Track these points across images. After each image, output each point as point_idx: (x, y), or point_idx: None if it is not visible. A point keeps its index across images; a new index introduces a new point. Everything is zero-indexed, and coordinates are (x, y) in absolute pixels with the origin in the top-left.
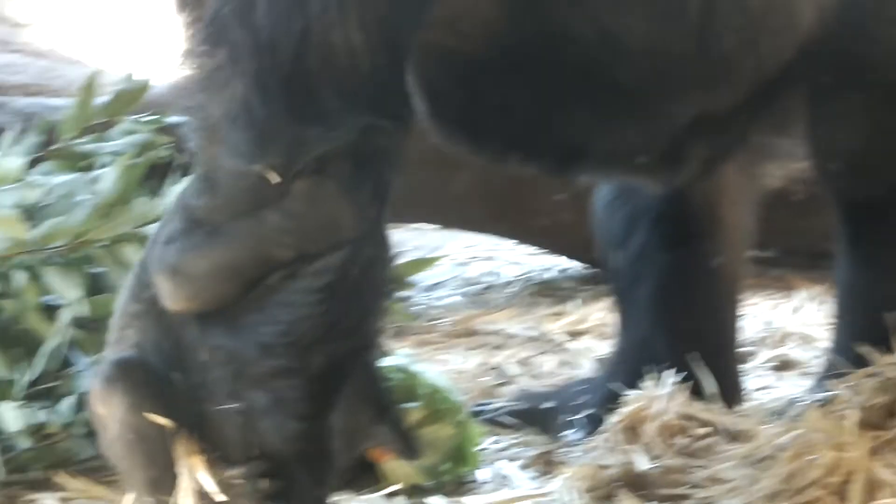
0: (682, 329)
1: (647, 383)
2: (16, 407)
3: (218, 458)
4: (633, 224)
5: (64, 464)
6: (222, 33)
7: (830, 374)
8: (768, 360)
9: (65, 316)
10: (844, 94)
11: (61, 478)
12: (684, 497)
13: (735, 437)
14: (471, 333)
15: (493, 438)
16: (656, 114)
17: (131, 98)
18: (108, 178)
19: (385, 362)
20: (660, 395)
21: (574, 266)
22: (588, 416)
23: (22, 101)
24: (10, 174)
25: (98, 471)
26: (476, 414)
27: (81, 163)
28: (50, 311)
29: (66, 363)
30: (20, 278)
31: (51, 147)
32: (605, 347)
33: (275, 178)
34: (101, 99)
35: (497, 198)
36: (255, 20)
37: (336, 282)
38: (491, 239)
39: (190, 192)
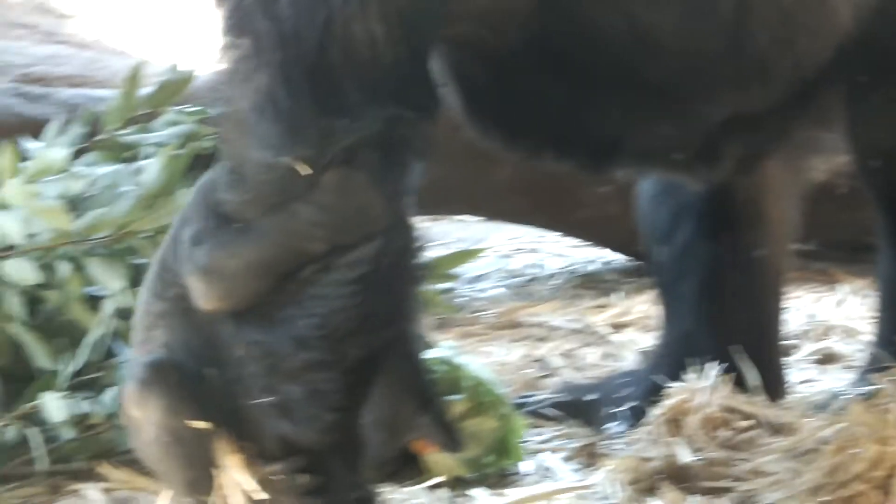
0: (725, 323)
1: (690, 376)
2: (59, 397)
3: (255, 454)
4: (677, 218)
5: (107, 454)
6: (246, 23)
7: (874, 367)
8: (811, 354)
9: (108, 307)
10: (882, 91)
11: (104, 468)
12: (727, 490)
13: (778, 430)
14: (514, 325)
15: (536, 431)
16: (690, 111)
17: (175, 89)
18: (151, 169)
19: (428, 354)
20: (702, 387)
21: (618, 258)
22: (631, 409)
23: (66, 93)
24: (54, 165)
25: (140, 461)
26: (519, 406)
27: (125, 154)
28: (93, 301)
29: (109, 354)
30: (64, 269)
31: (95, 138)
32: (649, 340)
33: (305, 169)
34: (145, 90)
35: (540, 190)
36: (278, 10)
37: (369, 273)
38: (535, 231)
39: (215, 186)
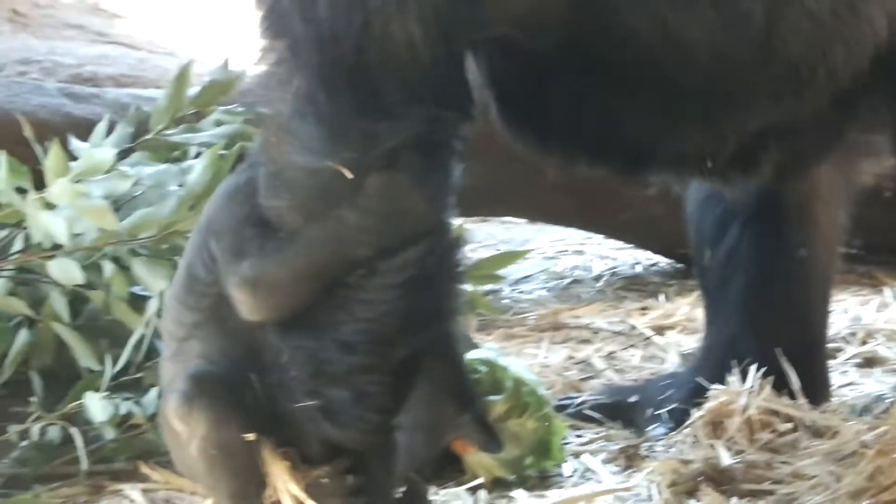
0: (771, 328)
1: (732, 378)
2: (102, 398)
3: (299, 459)
4: (725, 222)
5: (148, 455)
6: (283, 25)
7: None
8: (854, 357)
9: (151, 307)
10: None
11: (145, 468)
12: (767, 493)
13: (819, 433)
14: (557, 327)
15: (577, 432)
16: (723, 118)
17: (223, 88)
18: (197, 169)
19: (471, 355)
20: (744, 390)
21: (662, 260)
22: (673, 411)
23: (115, 92)
24: (101, 165)
25: None
26: (561, 408)
27: (174, 153)
28: (137, 301)
29: (152, 354)
30: (108, 269)
31: (142, 138)
32: (692, 342)
33: (348, 174)
34: (193, 89)
35: (585, 191)
36: (315, 13)
37: (414, 275)
38: (581, 233)
39: (248, 193)
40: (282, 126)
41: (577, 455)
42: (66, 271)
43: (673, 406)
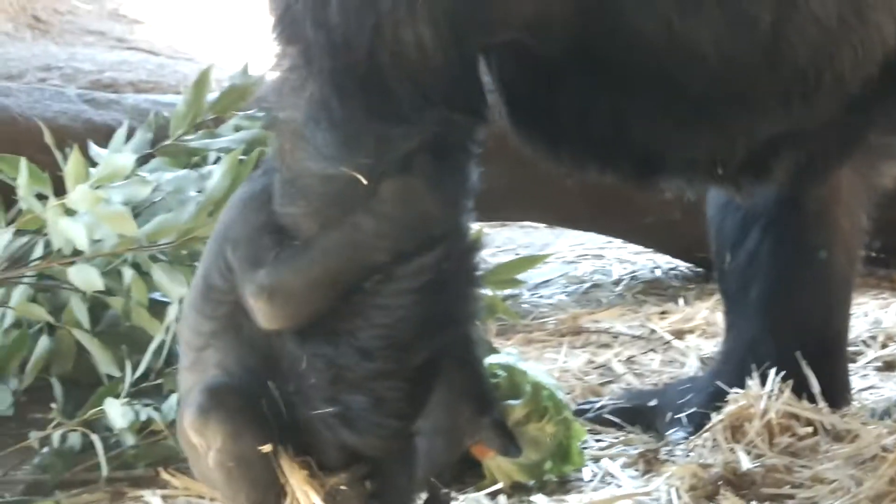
0: (791, 331)
1: (752, 382)
2: (122, 404)
3: (316, 466)
4: (746, 227)
5: (168, 461)
6: (295, 31)
7: None
8: (874, 360)
9: (171, 313)
10: None
11: (165, 475)
12: (787, 497)
13: (839, 437)
14: (577, 332)
15: (596, 437)
16: (732, 124)
17: (242, 93)
18: (216, 174)
19: (490, 360)
20: (763, 394)
21: (681, 264)
22: (692, 415)
23: (134, 98)
24: (120, 171)
25: None
26: (580, 412)
27: (193, 159)
28: (157, 307)
29: (171, 360)
30: (128, 275)
31: (161, 144)
32: (711, 346)
33: (363, 179)
34: (213, 95)
35: (604, 195)
36: (327, 18)
37: (432, 280)
38: (600, 237)
39: (263, 200)
40: (296, 132)
41: (596, 459)
42: (86, 277)
43: (692, 410)
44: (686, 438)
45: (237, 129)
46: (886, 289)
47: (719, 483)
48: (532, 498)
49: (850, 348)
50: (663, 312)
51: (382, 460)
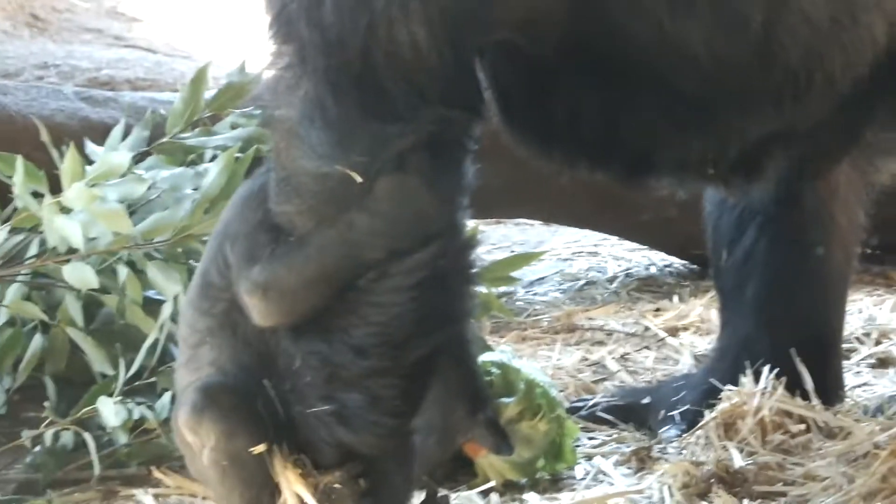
0: (786, 328)
1: (745, 380)
2: (115, 402)
3: (310, 464)
4: (743, 224)
5: (160, 460)
6: (290, 30)
7: None
8: (868, 357)
9: (165, 312)
10: None
11: (158, 473)
12: (779, 494)
13: (832, 434)
14: (571, 329)
15: (590, 434)
16: (723, 123)
17: (239, 91)
18: (212, 172)
19: (484, 357)
20: (757, 391)
21: (676, 262)
22: (685, 413)
23: (131, 96)
24: (116, 169)
25: None
26: (574, 410)
27: (189, 157)
28: (152, 305)
29: (165, 359)
30: (123, 273)
31: (158, 141)
32: (706, 344)
33: (358, 177)
34: (210, 93)
35: (599, 193)
36: (322, 17)
37: (427, 277)
38: (595, 234)
39: (261, 198)
40: (290, 131)
41: (589, 457)
42: (80, 275)
43: (686, 408)
44: (679, 436)
45: (234, 126)
46: (881, 285)
47: (712, 481)
48: (524, 496)
49: (844, 345)
50: (658, 309)
51: (377, 458)
